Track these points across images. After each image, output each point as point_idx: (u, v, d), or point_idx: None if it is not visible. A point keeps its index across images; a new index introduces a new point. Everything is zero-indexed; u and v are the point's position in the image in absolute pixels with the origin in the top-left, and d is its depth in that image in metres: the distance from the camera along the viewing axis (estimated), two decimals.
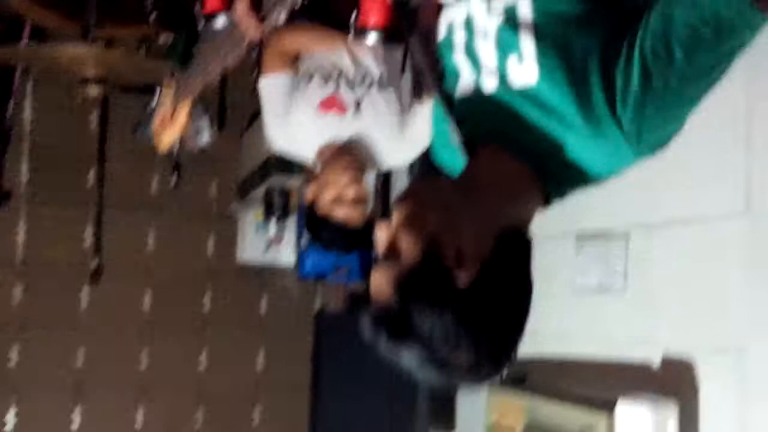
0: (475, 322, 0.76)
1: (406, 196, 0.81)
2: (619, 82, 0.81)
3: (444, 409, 2.63)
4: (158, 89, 2.55)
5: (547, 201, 0.89)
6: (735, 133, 1.68)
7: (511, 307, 0.81)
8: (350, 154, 1.78)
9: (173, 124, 2.55)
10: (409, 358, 0.77)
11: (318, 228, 1.78)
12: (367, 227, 1.78)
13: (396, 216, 0.79)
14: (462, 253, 0.76)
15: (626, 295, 1.95)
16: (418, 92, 1.80)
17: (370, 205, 1.81)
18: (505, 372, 0.81)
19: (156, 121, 2.71)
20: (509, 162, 0.86)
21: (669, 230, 1.84)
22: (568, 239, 2.13)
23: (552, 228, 2.07)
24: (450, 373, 0.78)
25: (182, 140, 2.84)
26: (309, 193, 1.80)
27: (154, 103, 3.23)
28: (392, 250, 0.78)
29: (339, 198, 1.72)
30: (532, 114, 0.86)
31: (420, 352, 0.76)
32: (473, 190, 0.82)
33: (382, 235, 0.79)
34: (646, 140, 0.83)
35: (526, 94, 0.86)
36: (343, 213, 1.72)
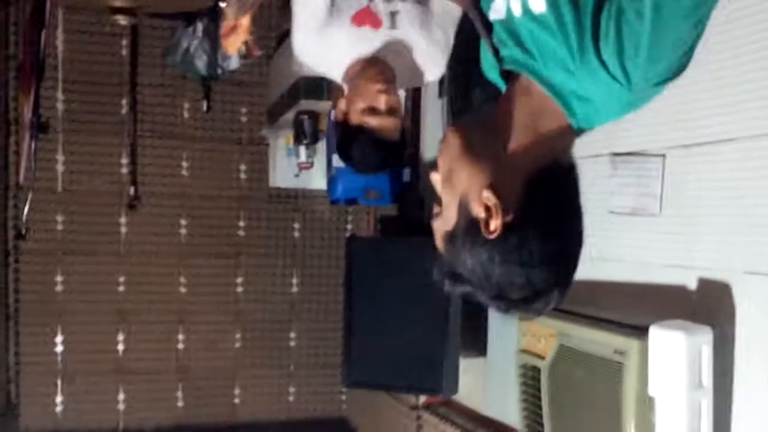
0: (518, 263, 0.81)
1: (443, 148, 0.86)
2: (603, 21, 0.78)
3: (475, 335, 2.66)
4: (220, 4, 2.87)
5: (576, 131, 0.88)
6: None
7: (554, 239, 0.84)
8: (381, 65, 1.73)
9: (236, 33, 2.88)
10: (473, 296, 0.86)
11: (350, 143, 1.73)
12: (401, 142, 1.74)
13: (439, 169, 0.86)
14: (490, 207, 0.81)
15: (662, 218, 1.90)
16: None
17: (403, 118, 1.76)
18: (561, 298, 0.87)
19: (222, 31, 3.06)
20: (539, 95, 0.85)
21: (706, 151, 1.77)
22: (601, 160, 2.07)
23: (585, 148, 2.01)
24: (509, 307, 0.86)
25: (247, 46, 3.11)
26: (339, 107, 1.75)
27: (181, 30, 3.34)
28: (439, 204, 0.86)
29: (371, 108, 1.68)
30: (550, 44, 0.84)
31: (477, 292, 0.85)
32: (503, 132, 0.84)
33: (435, 181, 0.87)
34: (636, 77, 0.79)
35: (542, 22, 0.84)
36: (376, 122, 1.67)
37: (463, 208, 0.82)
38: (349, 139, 1.73)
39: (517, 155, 0.83)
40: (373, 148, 1.71)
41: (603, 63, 0.78)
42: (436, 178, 0.86)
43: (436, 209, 0.86)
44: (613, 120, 0.87)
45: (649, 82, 0.80)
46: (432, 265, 0.88)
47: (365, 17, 1.78)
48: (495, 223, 0.80)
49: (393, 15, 1.79)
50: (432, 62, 1.87)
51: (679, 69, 0.81)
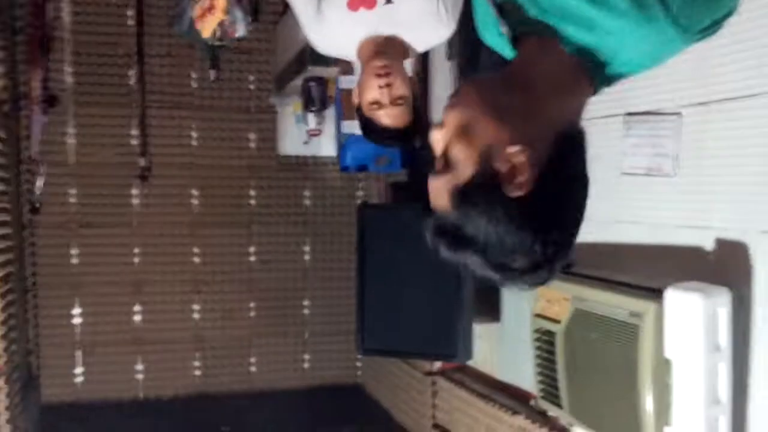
0: (532, 228, 0.77)
1: (457, 102, 0.79)
2: None
3: (489, 299, 2.65)
4: None
5: (594, 90, 0.85)
6: None
7: (569, 206, 0.81)
8: (382, 53, 1.73)
9: (212, 14, 2.81)
10: (470, 263, 0.79)
11: (366, 130, 1.81)
12: (414, 121, 1.77)
13: (448, 124, 0.78)
14: (515, 164, 0.76)
15: (677, 178, 1.86)
16: None
17: (416, 92, 1.78)
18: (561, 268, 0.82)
19: (196, 11, 2.93)
20: (557, 53, 0.82)
21: (725, 107, 1.72)
22: (615, 120, 2.03)
23: (598, 108, 1.97)
24: (510, 277, 0.80)
25: (222, 27, 3.05)
26: (353, 96, 1.81)
27: None
28: (447, 159, 0.78)
29: (377, 101, 1.72)
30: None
31: (478, 259, 0.78)
32: (524, 90, 0.79)
33: (437, 140, 0.79)
34: (692, 24, 0.78)
35: None
36: (383, 115, 1.73)
37: (484, 162, 0.76)
38: (366, 131, 1.81)
39: (542, 115, 0.78)
40: (384, 136, 1.77)
41: (665, 6, 0.77)
42: (439, 135, 0.79)
43: (439, 165, 0.79)
44: (642, 69, 0.84)
45: (698, 25, 0.79)
46: (426, 228, 0.81)
47: (359, 1, 1.78)
48: (522, 179, 0.75)
49: None
50: (441, 22, 1.84)
51: (728, 13, 0.81)
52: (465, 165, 0.76)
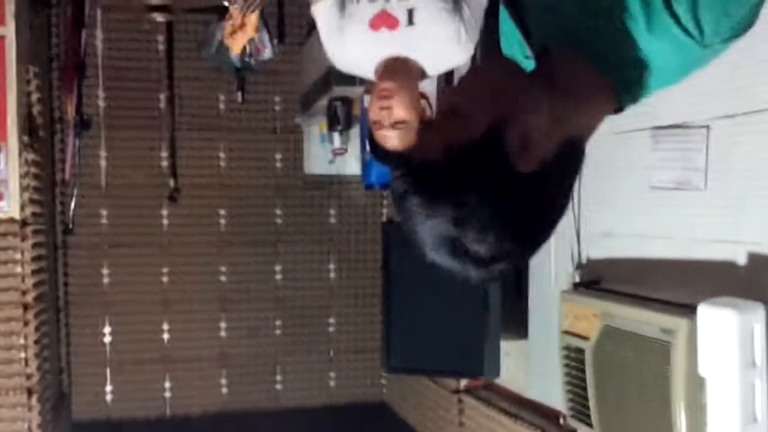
0: (511, 219, 0.71)
1: (489, 66, 0.77)
2: None
3: (516, 317, 2.62)
4: (224, 3, 2.81)
5: (621, 108, 0.84)
6: None
7: (548, 216, 0.76)
8: (391, 75, 1.75)
9: (243, 31, 2.86)
10: (429, 227, 0.71)
11: (372, 148, 1.85)
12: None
13: (474, 79, 0.75)
14: (527, 144, 0.71)
15: (707, 192, 1.84)
16: None
17: (426, 114, 1.80)
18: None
19: (227, 29, 2.97)
20: (585, 69, 0.81)
21: (753, 120, 1.70)
22: (643, 133, 2.01)
23: (626, 121, 1.95)
24: (459, 260, 0.72)
25: (252, 45, 3.12)
26: (368, 116, 1.86)
27: (215, 24, 3.36)
28: (457, 110, 0.73)
29: (378, 123, 1.76)
30: (601, 4, 0.80)
31: (443, 224, 0.70)
32: (550, 88, 0.78)
33: (454, 94, 0.75)
34: (709, 30, 0.77)
35: None
36: (385, 137, 1.76)
37: (496, 128, 0.71)
38: (372, 149, 1.86)
39: (560, 114, 0.76)
40: (382, 156, 1.81)
41: (674, 15, 0.75)
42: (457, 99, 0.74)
43: (445, 109, 0.73)
44: (670, 84, 0.83)
45: (720, 36, 0.78)
46: (394, 168, 0.73)
47: (381, 21, 1.81)
48: (533, 155, 0.71)
49: (410, 12, 1.81)
50: (460, 46, 1.85)
51: (747, 24, 0.79)
52: (476, 121, 0.71)
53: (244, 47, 3.13)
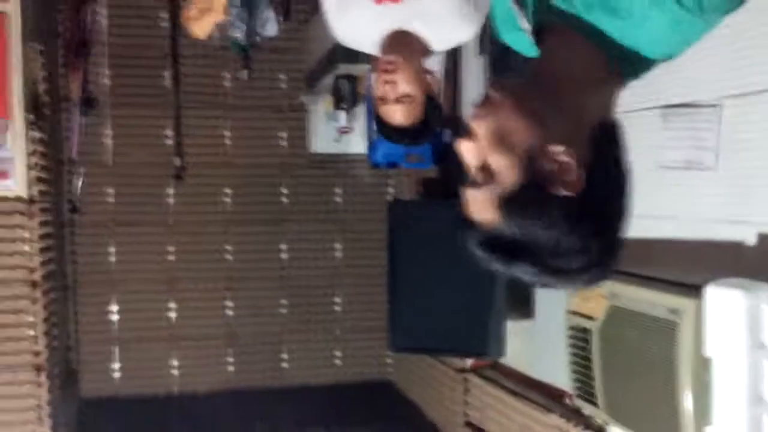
0: (586, 227, 0.76)
1: (485, 110, 0.77)
2: None
3: (522, 297, 2.62)
4: None
5: (623, 82, 0.83)
6: None
7: (616, 200, 0.79)
8: (395, 49, 1.72)
9: (210, 13, 2.80)
10: (523, 274, 0.78)
11: (377, 124, 1.81)
12: (425, 120, 1.77)
13: (481, 135, 0.75)
14: (562, 163, 0.74)
15: (717, 171, 1.82)
16: None
17: (431, 89, 1.76)
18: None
19: (191, 10, 2.92)
20: (582, 47, 0.80)
21: (761, 100, 1.67)
22: (653, 113, 1.99)
23: (635, 101, 1.93)
24: (566, 279, 0.79)
25: (220, 28, 3.03)
26: (373, 92, 1.81)
27: None
28: (485, 170, 0.75)
29: (382, 97, 1.72)
30: None
31: (533, 267, 0.77)
32: (554, 87, 0.77)
33: (467, 153, 0.76)
34: (705, 3, 0.76)
35: None
36: (389, 112, 1.72)
37: (528, 166, 0.74)
38: (377, 126, 1.81)
39: (575, 111, 0.77)
40: (394, 134, 1.77)
41: None
42: (470, 146, 0.75)
43: (478, 177, 0.76)
44: (666, 57, 0.82)
45: (719, 9, 0.77)
46: (472, 244, 0.78)
47: None
48: (571, 177, 0.74)
49: None
50: (466, 20, 1.82)
51: None
52: (508, 172, 0.74)
53: (211, 31, 3.07)
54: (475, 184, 0.76)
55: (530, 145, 0.74)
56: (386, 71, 1.70)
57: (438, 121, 1.86)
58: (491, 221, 0.75)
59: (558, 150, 0.74)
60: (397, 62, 1.71)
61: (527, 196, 0.74)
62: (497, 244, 0.76)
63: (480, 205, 0.76)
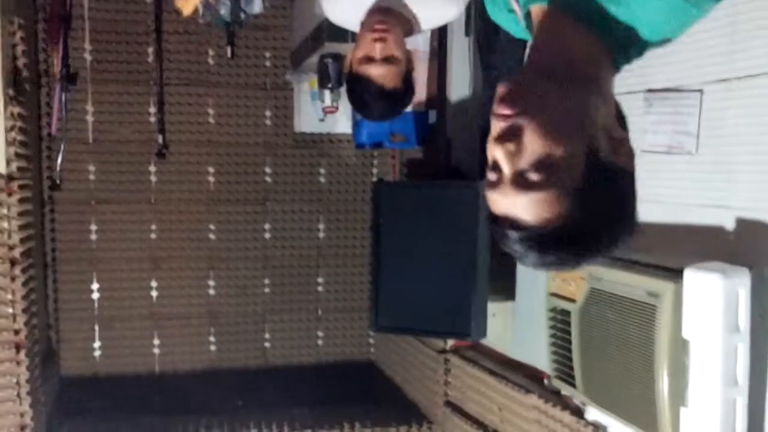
0: (627, 202, 0.78)
1: (519, 109, 0.73)
2: None
3: (504, 278, 2.64)
4: None
5: (616, 67, 0.83)
6: None
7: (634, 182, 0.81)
8: (381, 14, 1.69)
9: None
10: (585, 262, 0.78)
11: (355, 91, 1.74)
12: (402, 89, 1.72)
13: (525, 131, 0.72)
14: (617, 139, 0.75)
15: (698, 156, 1.83)
16: None
17: (411, 65, 1.74)
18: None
19: None
20: (575, 31, 0.79)
21: (747, 84, 1.68)
22: (635, 97, 1.99)
23: (618, 84, 1.93)
24: (587, 259, 0.79)
25: (206, 5, 3.01)
26: (347, 57, 1.76)
27: None
28: (539, 168, 0.72)
29: (368, 57, 1.66)
30: None
31: (597, 253, 0.78)
32: (561, 75, 0.76)
33: (500, 155, 0.73)
34: None
35: None
36: (373, 72, 1.67)
37: (589, 152, 0.73)
38: (353, 89, 1.75)
39: (597, 99, 0.77)
40: (372, 97, 1.71)
41: None
42: (510, 147, 0.72)
43: (533, 176, 0.72)
44: (658, 42, 0.82)
45: None
46: (518, 248, 0.75)
47: None
48: (626, 152, 0.76)
49: None
50: (444, 6, 1.80)
51: None
52: (572, 159, 0.72)
53: (196, 8, 3.04)
54: (528, 186, 0.72)
55: (577, 127, 0.73)
56: (377, 30, 1.66)
57: (408, 101, 1.83)
58: (551, 219, 0.72)
59: (612, 127, 0.75)
60: (390, 22, 1.68)
61: (598, 179, 0.73)
62: (558, 240, 0.73)
63: (538, 206, 0.72)
